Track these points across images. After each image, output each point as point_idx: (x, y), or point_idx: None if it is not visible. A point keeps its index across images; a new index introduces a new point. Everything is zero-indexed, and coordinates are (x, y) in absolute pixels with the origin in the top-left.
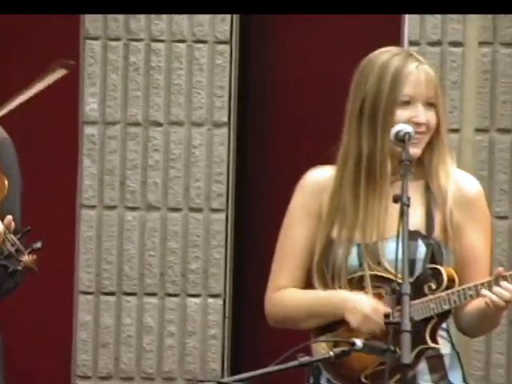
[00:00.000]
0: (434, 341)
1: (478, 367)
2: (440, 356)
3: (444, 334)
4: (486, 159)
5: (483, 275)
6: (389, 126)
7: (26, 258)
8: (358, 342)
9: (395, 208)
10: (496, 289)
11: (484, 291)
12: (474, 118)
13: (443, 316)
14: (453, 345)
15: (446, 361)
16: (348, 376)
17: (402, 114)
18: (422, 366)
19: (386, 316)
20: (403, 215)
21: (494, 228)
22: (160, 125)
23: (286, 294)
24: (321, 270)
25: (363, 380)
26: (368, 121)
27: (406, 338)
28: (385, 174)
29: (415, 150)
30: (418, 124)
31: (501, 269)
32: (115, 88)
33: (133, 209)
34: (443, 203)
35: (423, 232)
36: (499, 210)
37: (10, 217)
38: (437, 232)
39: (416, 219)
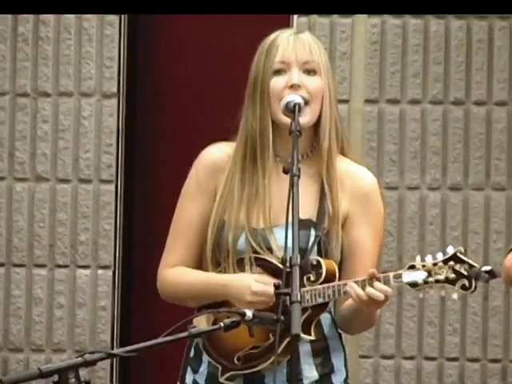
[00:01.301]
0: (307, 332)
1: (368, 337)
2: (324, 339)
3: (328, 317)
4: (376, 130)
5: (364, 272)
6: (266, 96)
7: None
8: (249, 313)
9: (287, 194)
10: (369, 290)
11: (358, 290)
12: (363, 88)
13: (319, 309)
14: (336, 327)
15: (330, 343)
16: (223, 356)
17: (277, 80)
18: (306, 348)
19: (277, 287)
20: (293, 186)
21: (383, 199)
22: (49, 95)
23: (178, 274)
24: (213, 250)
25: (235, 361)
26: (251, 96)
27: (296, 309)
28: (267, 147)
29: (302, 119)
30: (293, 87)
31: (374, 270)
32: (3, 59)
33: (22, 180)
34: (333, 192)
35: (314, 220)
36: (389, 180)
37: None
38: (327, 223)
39: (309, 208)
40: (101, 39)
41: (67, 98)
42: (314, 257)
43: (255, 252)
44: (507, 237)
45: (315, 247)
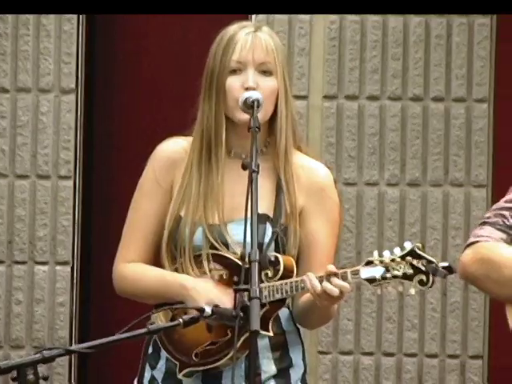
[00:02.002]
0: (265, 328)
1: (327, 333)
2: (282, 334)
3: (286, 311)
4: (334, 126)
5: (320, 266)
6: (222, 93)
7: None
8: (207, 309)
9: (245, 190)
10: (325, 284)
11: (314, 281)
12: (321, 84)
13: (276, 305)
14: (294, 322)
15: (288, 337)
16: (181, 352)
17: (233, 80)
18: (264, 343)
19: (236, 283)
20: (252, 182)
21: (342, 195)
22: (7, 91)
23: (134, 270)
24: (169, 246)
25: (193, 358)
26: (207, 91)
27: (255, 305)
28: (220, 144)
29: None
30: (248, 89)
31: (332, 266)
32: None
33: None
34: (290, 188)
35: (271, 216)
36: (347, 176)
37: None
38: (284, 219)
39: (265, 203)
40: (59, 35)
41: (25, 94)
42: (272, 253)
43: (212, 248)
44: (465, 233)
45: (273, 243)
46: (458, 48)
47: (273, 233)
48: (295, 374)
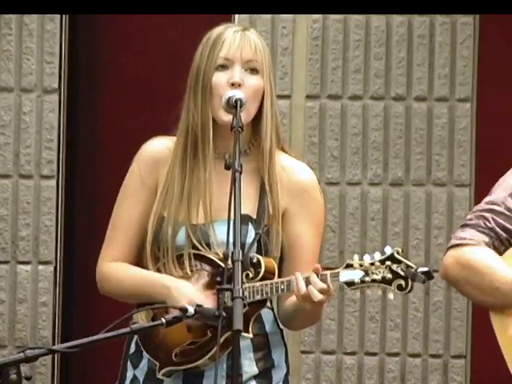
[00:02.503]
0: (245, 329)
1: (310, 333)
2: (264, 334)
3: (269, 312)
4: (317, 126)
5: (306, 266)
6: (208, 90)
7: None
8: (190, 309)
9: (228, 187)
10: (310, 288)
11: (301, 283)
12: (304, 84)
13: (257, 306)
14: (277, 323)
15: (270, 339)
16: (161, 351)
17: (219, 76)
18: (246, 343)
19: (219, 283)
20: (235, 181)
21: (325, 194)
22: None
23: (116, 270)
24: (152, 245)
25: (173, 357)
26: (193, 89)
27: (238, 304)
28: (207, 141)
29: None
30: (234, 85)
31: (318, 266)
32: None
33: None
34: (274, 191)
35: (254, 217)
36: (330, 176)
37: None
38: (267, 221)
39: (248, 205)
40: (42, 34)
41: (7, 94)
42: (253, 254)
43: (194, 248)
44: (448, 232)
45: (255, 244)
46: (440, 47)
47: (256, 234)
48: (277, 376)
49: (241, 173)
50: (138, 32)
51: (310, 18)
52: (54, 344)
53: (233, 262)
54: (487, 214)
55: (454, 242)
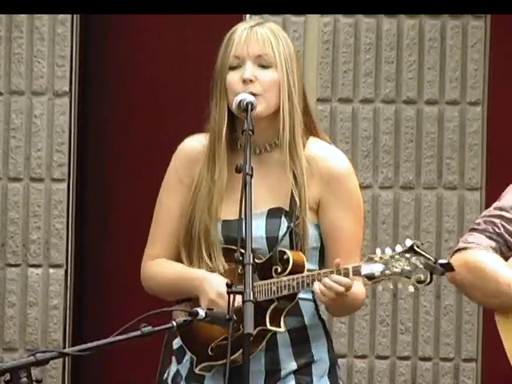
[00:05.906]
0: (275, 323)
1: None
2: (303, 328)
3: (309, 304)
4: (328, 129)
5: (348, 254)
6: (223, 89)
7: None
8: (201, 312)
9: (260, 183)
10: (325, 280)
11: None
12: (315, 87)
13: (286, 300)
14: (319, 315)
15: (310, 332)
16: (198, 346)
17: (233, 75)
18: (284, 338)
19: (229, 286)
20: (246, 186)
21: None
22: (0, 94)
23: (157, 267)
24: (186, 242)
25: (209, 352)
26: (213, 89)
27: (249, 308)
28: (218, 141)
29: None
30: (245, 81)
31: (338, 260)
32: None
33: None
34: (299, 182)
35: (287, 209)
36: None
37: None
38: (299, 210)
39: (281, 197)
40: (53, 38)
41: (19, 97)
42: (281, 248)
43: (227, 243)
44: (459, 236)
45: (287, 237)
46: (451, 51)
47: (287, 227)
48: (319, 370)
49: (251, 176)
50: (149, 34)
51: (321, 21)
52: (64, 347)
53: (243, 266)
54: (496, 220)
55: (461, 245)
